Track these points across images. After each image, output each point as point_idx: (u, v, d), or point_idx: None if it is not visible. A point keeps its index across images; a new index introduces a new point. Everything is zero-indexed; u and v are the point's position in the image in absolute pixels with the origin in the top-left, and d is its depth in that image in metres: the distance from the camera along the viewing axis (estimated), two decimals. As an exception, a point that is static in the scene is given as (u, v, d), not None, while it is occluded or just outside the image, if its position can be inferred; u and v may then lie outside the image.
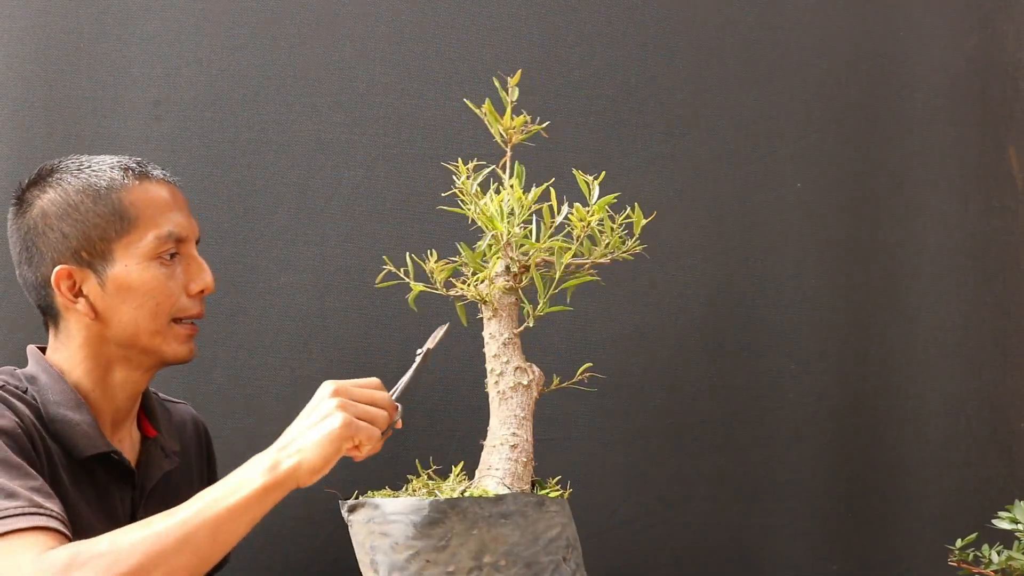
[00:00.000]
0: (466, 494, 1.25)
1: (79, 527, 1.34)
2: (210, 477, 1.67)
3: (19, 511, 1.24)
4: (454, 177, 1.36)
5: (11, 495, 1.25)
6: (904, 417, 1.89)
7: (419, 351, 1.44)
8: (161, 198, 1.46)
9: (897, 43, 1.88)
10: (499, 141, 1.39)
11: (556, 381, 1.39)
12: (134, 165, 1.46)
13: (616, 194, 1.34)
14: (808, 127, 1.88)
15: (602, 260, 1.36)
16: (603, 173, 1.34)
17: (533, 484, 1.35)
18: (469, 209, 1.36)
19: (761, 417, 1.89)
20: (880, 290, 1.89)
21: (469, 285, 1.37)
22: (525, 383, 1.35)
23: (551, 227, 1.34)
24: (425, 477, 1.37)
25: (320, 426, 1.23)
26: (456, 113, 1.87)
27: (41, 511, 1.25)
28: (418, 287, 1.39)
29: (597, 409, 1.89)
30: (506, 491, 1.27)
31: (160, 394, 1.63)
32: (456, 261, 1.39)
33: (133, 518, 1.45)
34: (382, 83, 1.88)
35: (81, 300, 1.42)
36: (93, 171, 1.44)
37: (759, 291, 1.89)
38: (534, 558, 1.26)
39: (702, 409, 1.89)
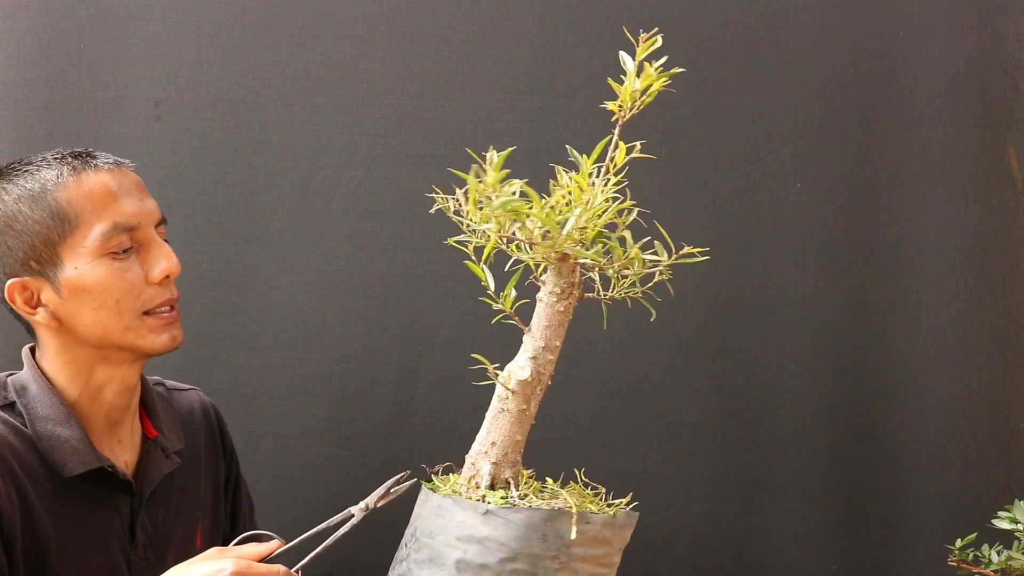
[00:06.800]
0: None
1: (58, 550, 1.31)
2: (226, 457, 1.59)
3: None
4: (464, 177, 1.13)
5: None
6: (904, 417, 1.89)
7: (356, 508, 1.25)
8: (102, 190, 1.33)
9: (897, 43, 1.88)
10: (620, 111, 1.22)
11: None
12: (71, 158, 1.35)
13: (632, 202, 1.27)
14: (808, 127, 1.88)
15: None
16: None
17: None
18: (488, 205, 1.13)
19: (761, 417, 1.89)
20: (880, 290, 1.89)
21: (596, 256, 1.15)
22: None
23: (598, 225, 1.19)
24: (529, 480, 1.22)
25: None
26: (456, 113, 1.87)
27: None
28: (495, 243, 1.13)
29: (597, 409, 1.89)
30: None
31: (168, 383, 1.56)
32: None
33: (132, 525, 1.40)
34: (382, 83, 1.88)
35: (40, 310, 1.34)
36: (28, 174, 1.34)
37: (759, 291, 1.89)
38: None
39: (702, 409, 1.89)
